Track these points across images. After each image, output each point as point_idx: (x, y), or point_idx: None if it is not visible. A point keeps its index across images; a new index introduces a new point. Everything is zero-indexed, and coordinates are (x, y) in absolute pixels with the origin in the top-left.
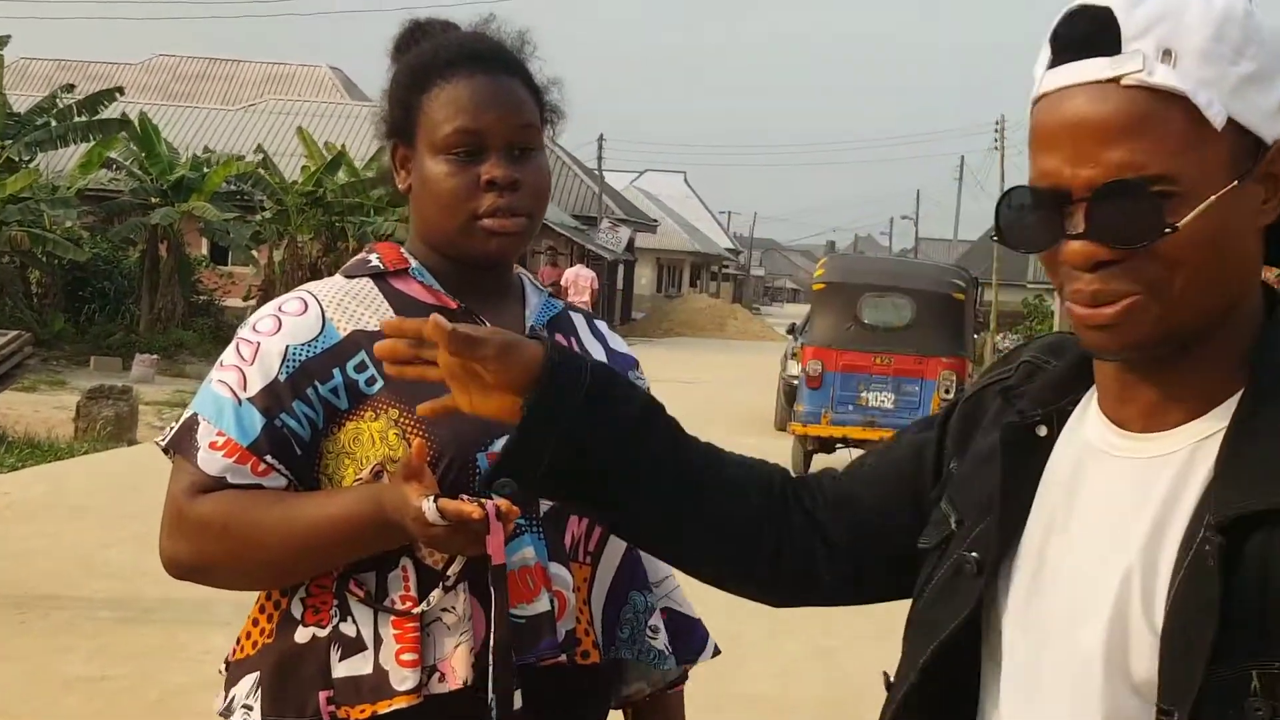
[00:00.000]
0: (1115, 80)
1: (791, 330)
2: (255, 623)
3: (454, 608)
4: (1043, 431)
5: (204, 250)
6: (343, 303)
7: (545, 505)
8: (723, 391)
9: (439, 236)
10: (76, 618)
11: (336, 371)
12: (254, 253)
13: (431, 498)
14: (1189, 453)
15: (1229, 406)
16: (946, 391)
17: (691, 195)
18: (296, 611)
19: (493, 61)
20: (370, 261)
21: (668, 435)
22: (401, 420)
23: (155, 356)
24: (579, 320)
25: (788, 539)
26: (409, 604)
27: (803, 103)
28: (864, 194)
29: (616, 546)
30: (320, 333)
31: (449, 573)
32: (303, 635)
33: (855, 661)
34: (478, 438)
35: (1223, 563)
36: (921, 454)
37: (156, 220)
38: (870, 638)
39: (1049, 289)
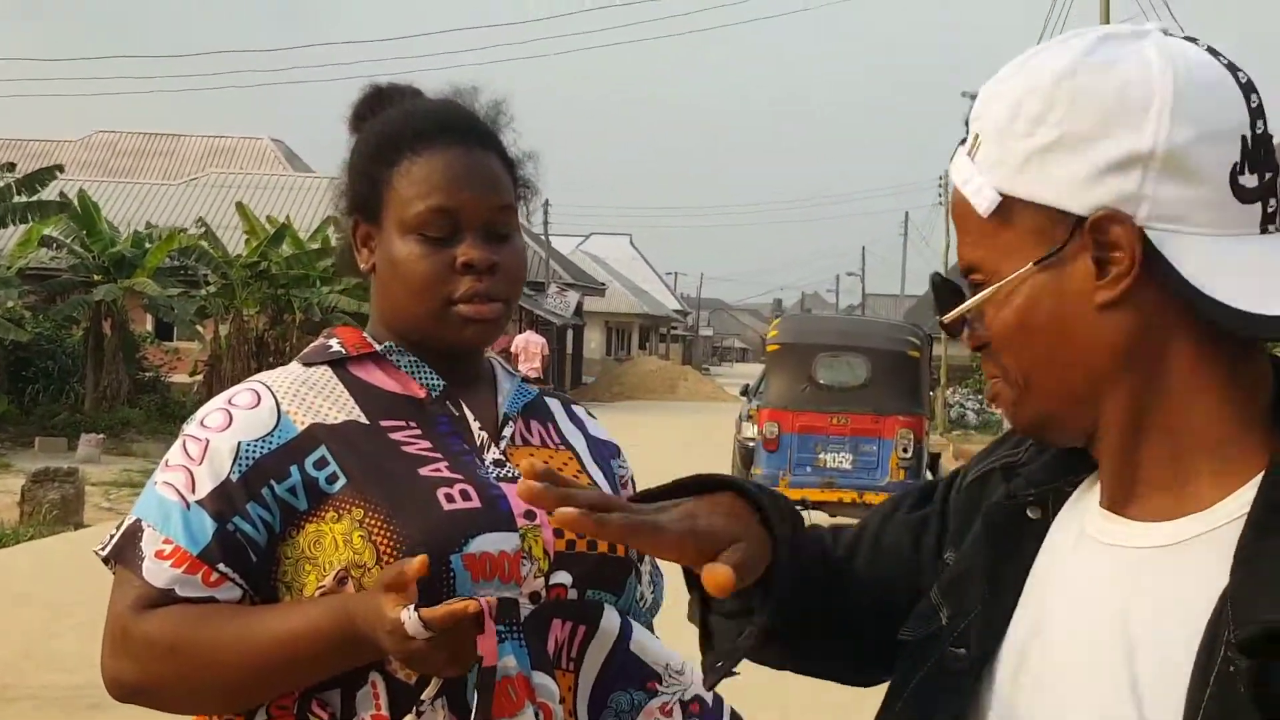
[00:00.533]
0: None
1: (745, 392)
2: None
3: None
4: (1034, 514)
5: (148, 326)
6: (299, 393)
7: (526, 609)
8: (677, 455)
9: (407, 321)
10: (24, 710)
11: (294, 469)
12: (199, 327)
13: (410, 607)
14: (1186, 547)
15: (1237, 501)
16: (904, 450)
17: (638, 257)
18: None
19: (468, 134)
20: (330, 347)
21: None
22: (367, 521)
23: (101, 436)
24: (556, 406)
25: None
26: None
27: (747, 163)
28: (810, 252)
29: (600, 650)
30: (275, 427)
31: (424, 696)
32: None
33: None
34: (451, 537)
35: (1254, 687)
36: (921, 540)
37: (99, 297)
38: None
39: None
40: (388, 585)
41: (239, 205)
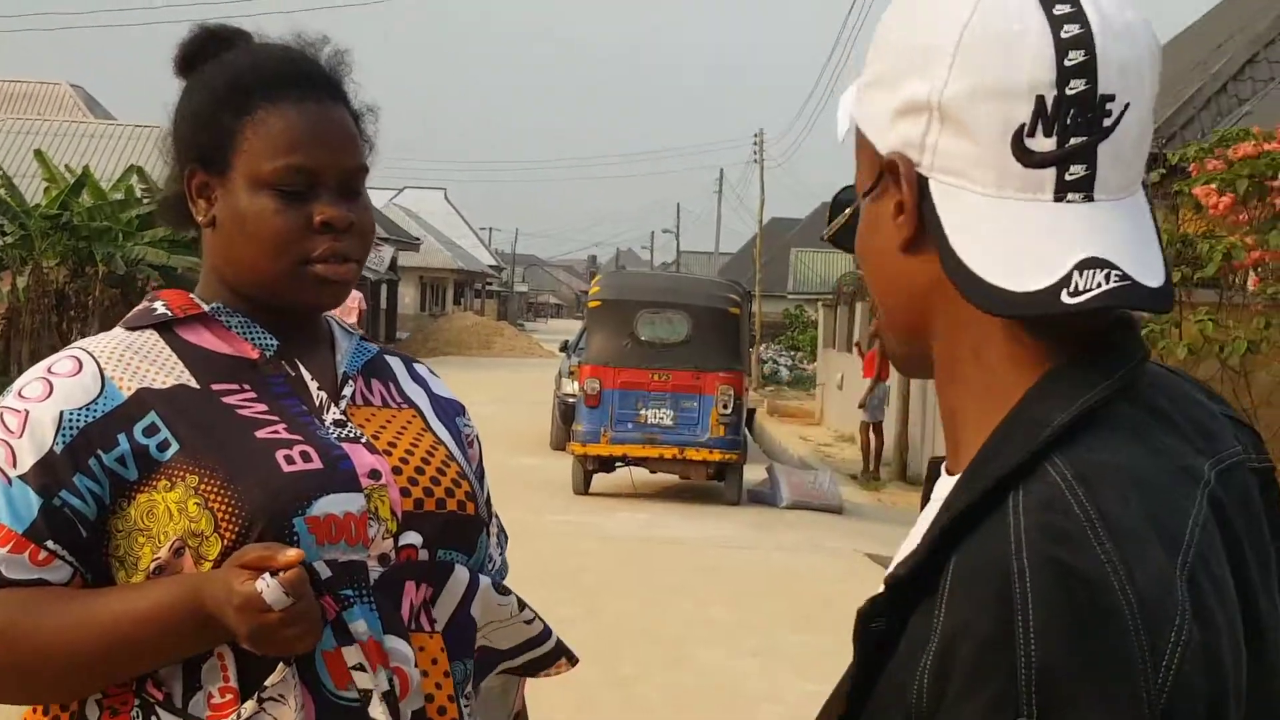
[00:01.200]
0: None
1: (564, 348)
2: None
3: (283, 696)
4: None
5: None
6: (123, 358)
7: (375, 572)
8: (496, 412)
9: (254, 280)
10: None
11: (122, 437)
12: None
13: (265, 575)
14: (931, 506)
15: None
16: (724, 406)
17: (453, 212)
18: (92, 715)
19: (321, 86)
20: (155, 310)
21: None
22: (202, 487)
23: None
24: (397, 364)
25: None
26: (226, 709)
27: (562, 118)
28: (625, 208)
29: (445, 610)
30: (100, 394)
31: (269, 682)
32: None
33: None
34: (293, 501)
35: (858, 627)
36: None
37: None
38: None
39: (809, 299)
40: (246, 564)
41: (37, 153)
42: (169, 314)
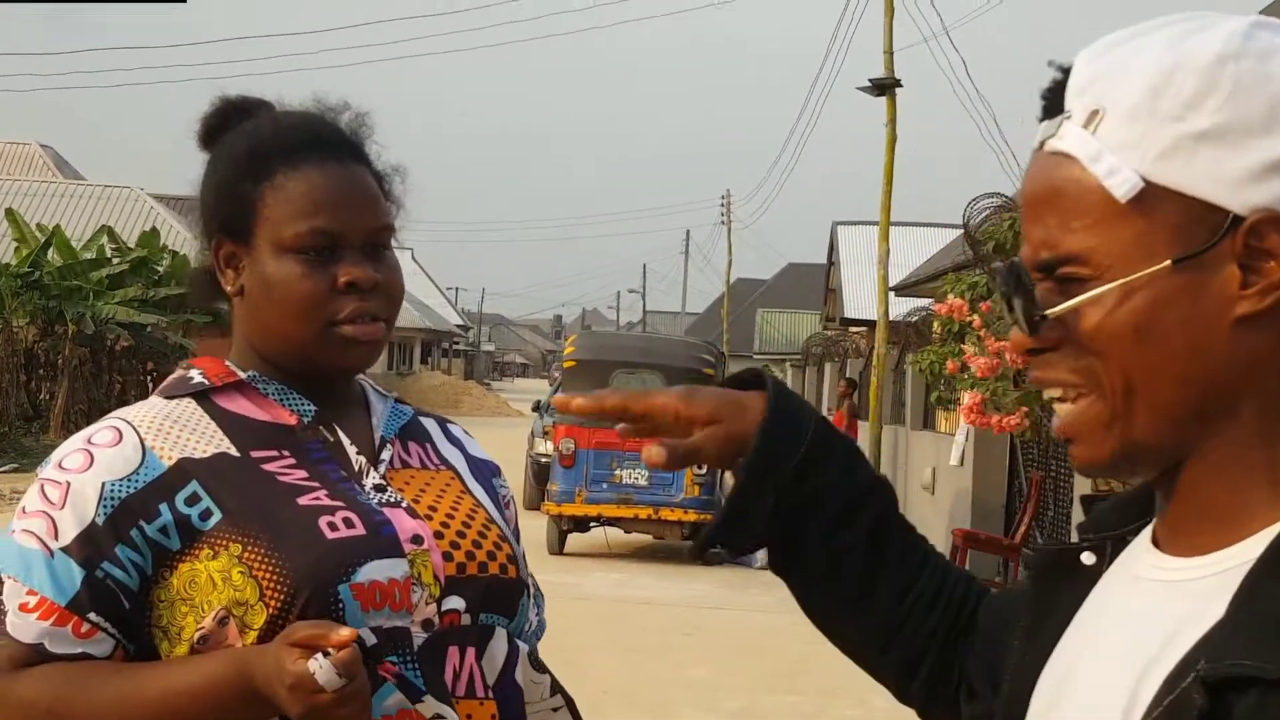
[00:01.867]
0: (1041, 146)
1: (537, 407)
2: None
3: None
4: (1089, 560)
5: None
6: (163, 428)
7: (419, 638)
8: None
9: (284, 345)
10: None
11: (164, 507)
12: None
13: (318, 656)
14: (1217, 581)
15: (1270, 533)
16: (699, 467)
17: (419, 272)
18: None
19: (341, 147)
20: (191, 378)
21: (872, 528)
22: (246, 555)
23: None
24: (432, 426)
25: (936, 665)
26: None
27: (529, 180)
28: (591, 268)
29: (490, 674)
30: (141, 464)
31: None
32: None
33: None
34: (338, 568)
35: None
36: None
37: None
38: None
39: (775, 359)
40: (296, 643)
41: (9, 212)
42: (206, 383)
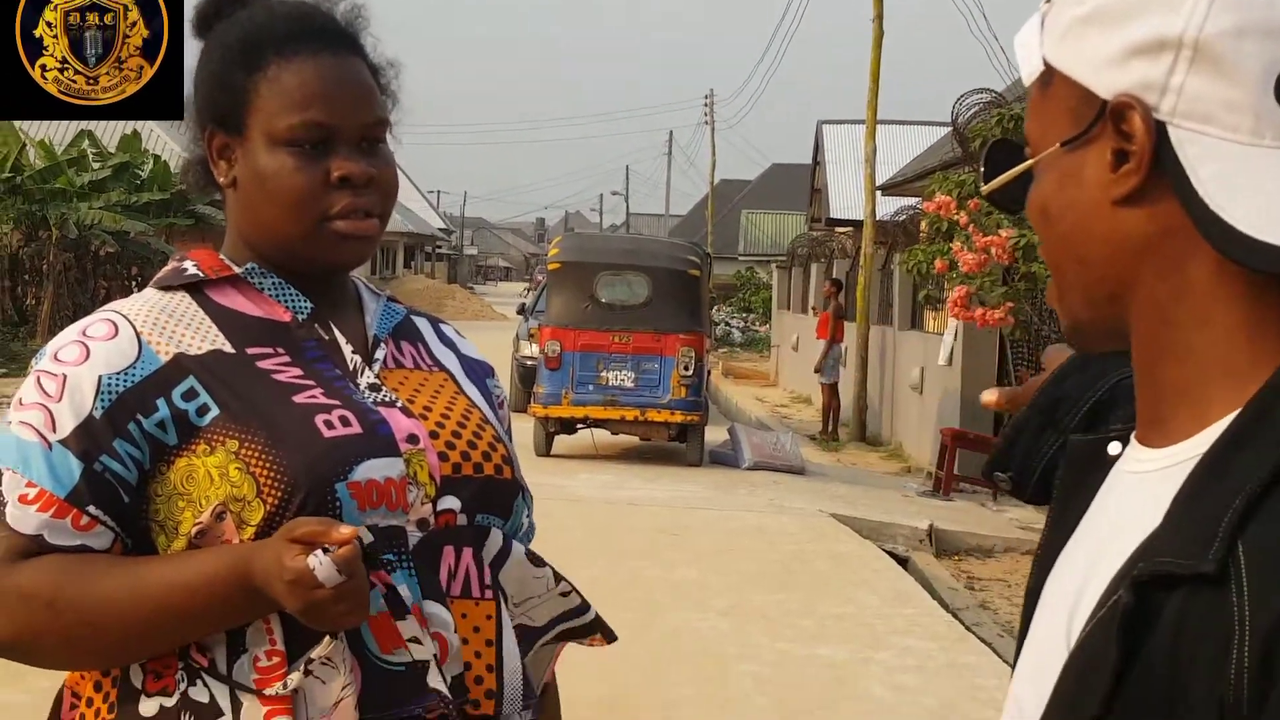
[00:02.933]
0: None
1: (521, 310)
2: (89, 701)
3: (332, 662)
4: (1114, 449)
5: None
6: (159, 322)
7: (414, 537)
8: None
9: (276, 240)
10: None
11: (160, 402)
12: None
13: (318, 552)
14: (1173, 473)
15: (1220, 428)
16: (685, 368)
17: (400, 176)
18: (136, 679)
19: (336, 38)
20: (185, 270)
21: None
22: (243, 452)
23: None
24: (425, 325)
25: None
26: (272, 673)
27: (511, 81)
28: (574, 171)
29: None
30: (137, 358)
31: (315, 654)
32: (148, 707)
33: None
34: (335, 466)
35: (1125, 625)
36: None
37: None
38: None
39: (760, 261)
40: (297, 539)
41: None
42: (201, 275)
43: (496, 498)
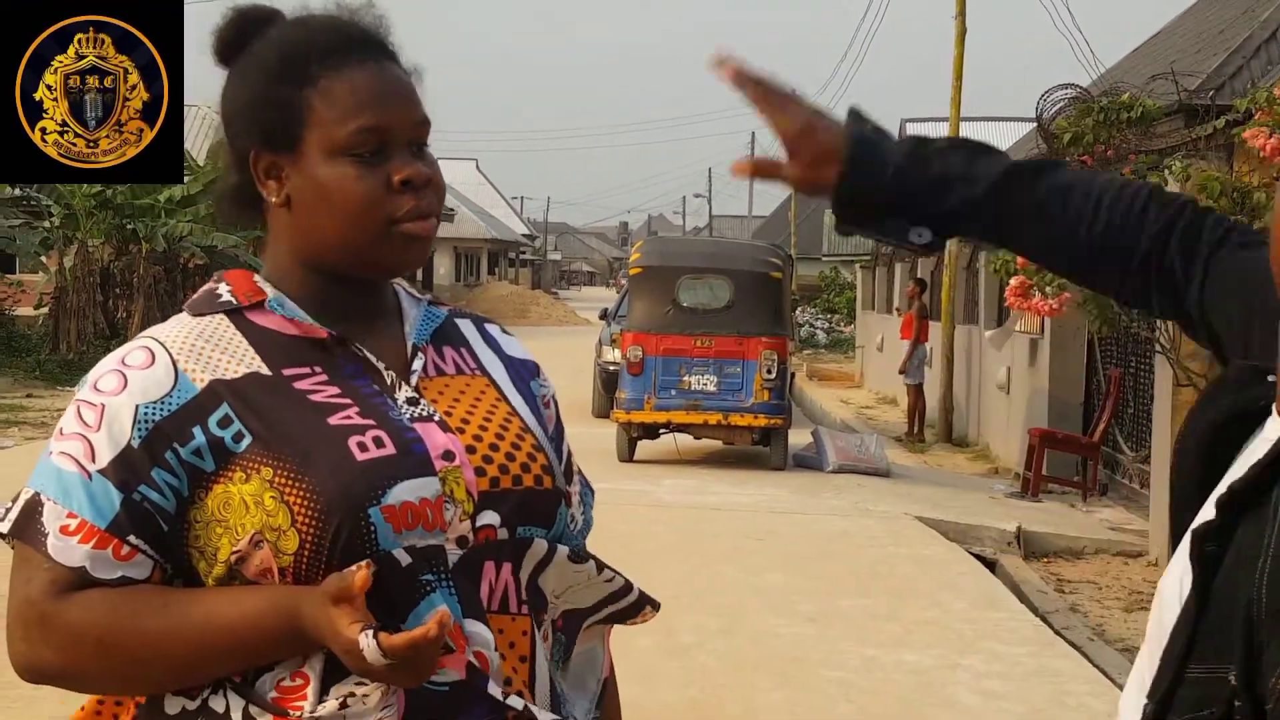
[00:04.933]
0: None
1: (604, 316)
2: (118, 701)
3: (368, 696)
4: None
5: None
6: (194, 347)
7: (454, 555)
8: None
9: (339, 249)
10: None
11: (197, 430)
12: (43, 259)
13: (368, 632)
14: None
15: None
16: (769, 371)
17: (485, 182)
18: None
19: (374, 47)
20: (221, 295)
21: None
22: (277, 480)
23: None
24: (468, 327)
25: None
26: (294, 694)
27: (592, 84)
28: (657, 174)
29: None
30: (173, 387)
31: (360, 692)
32: (172, 705)
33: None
34: (368, 490)
35: (1200, 536)
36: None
37: None
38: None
39: (845, 261)
40: (335, 598)
41: None
42: (233, 302)
43: (538, 508)
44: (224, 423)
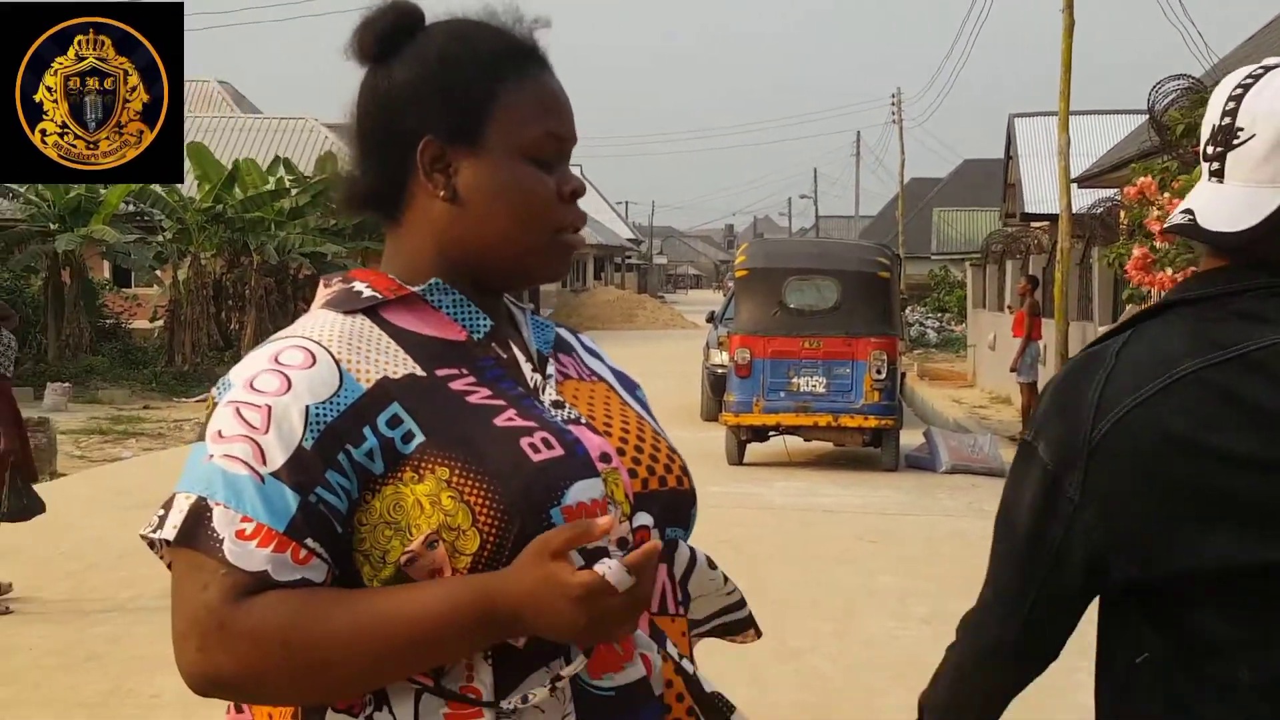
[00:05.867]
0: None
1: (711, 318)
2: (269, 717)
3: (540, 708)
4: None
5: (106, 273)
6: (353, 346)
7: (616, 556)
8: (644, 385)
9: (501, 251)
10: (20, 668)
11: (367, 431)
12: (158, 273)
13: (605, 559)
14: None
15: None
16: (878, 372)
17: (589, 188)
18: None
19: (541, 57)
20: (361, 292)
21: None
22: (454, 479)
23: (68, 385)
24: (569, 336)
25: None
26: (465, 710)
27: (694, 89)
28: (762, 175)
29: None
30: (340, 387)
31: (565, 672)
32: None
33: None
34: (548, 491)
35: None
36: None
37: (60, 247)
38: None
39: (954, 259)
40: (558, 550)
41: (194, 146)
42: (378, 296)
43: (681, 509)
44: (393, 422)
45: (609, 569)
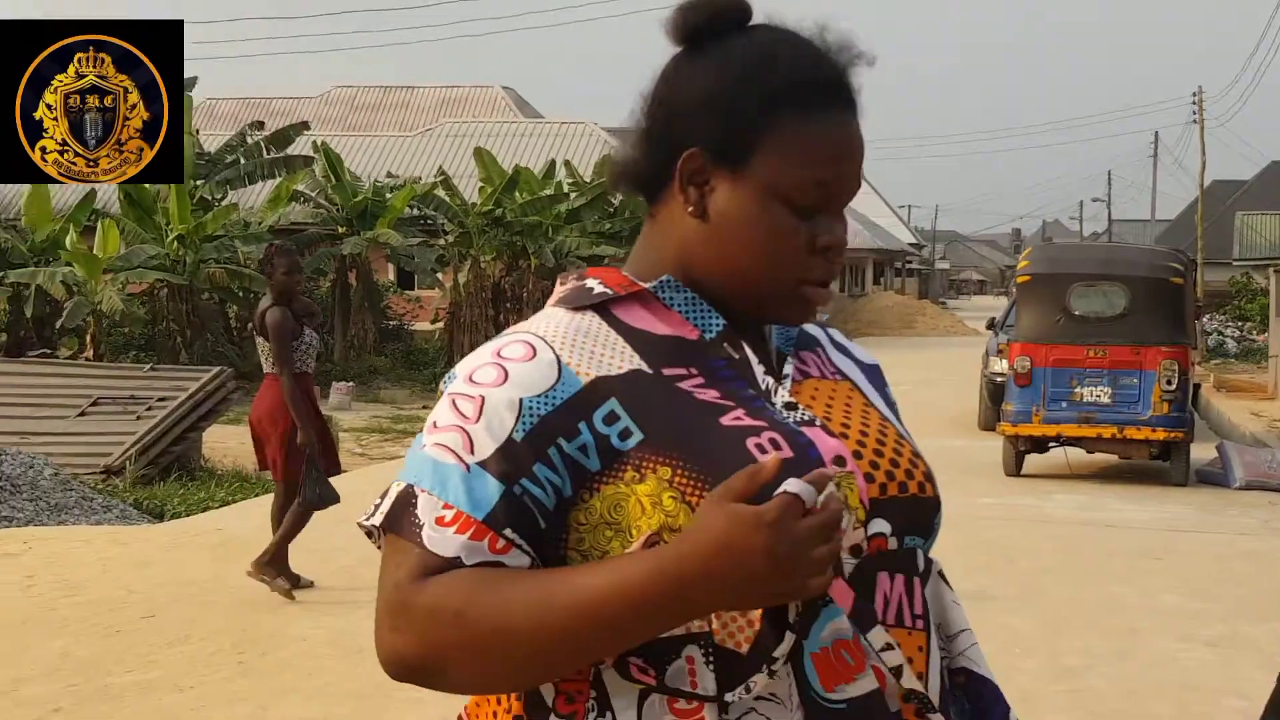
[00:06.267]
0: None
1: (991, 325)
2: (499, 699)
3: (775, 695)
4: None
5: (390, 276)
6: (576, 342)
7: (848, 565)
8: (921, 392)
9: (734, 285)
10: (294, 657)
11: (582, 426)
12: (439, 276)
13: (786, 483)
14: None
15: None
16: (1168, 382)
17: (870, 190)
18: (547, 696)
19: (846, 96)
20: (592, 289)
21: None
22: (676, 479)
23: (351, 384)
24: (818, 332)
25: None
26: (689, 716)
27: (982, 89)
28: (1051, 178)
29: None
30: (557, 380)
31: (777, 654)
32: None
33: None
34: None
35: None
36: None
37: (347, 250)
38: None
39: (1257, 266)
40: (740, 494)
41: (478, 151)
42: (609, 293)
43: (921, 517)
44: (610, 419)
45: (801, 488)
